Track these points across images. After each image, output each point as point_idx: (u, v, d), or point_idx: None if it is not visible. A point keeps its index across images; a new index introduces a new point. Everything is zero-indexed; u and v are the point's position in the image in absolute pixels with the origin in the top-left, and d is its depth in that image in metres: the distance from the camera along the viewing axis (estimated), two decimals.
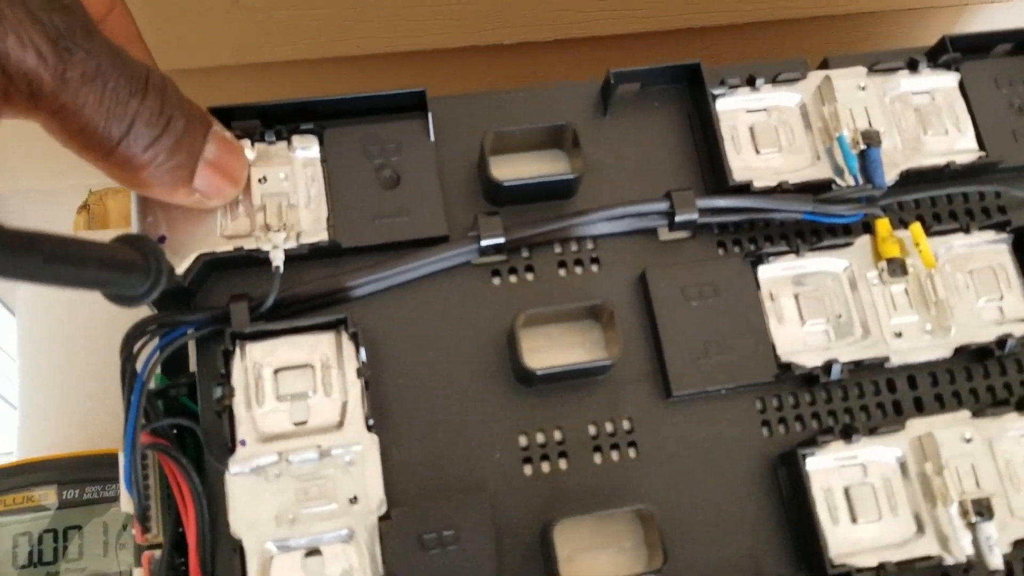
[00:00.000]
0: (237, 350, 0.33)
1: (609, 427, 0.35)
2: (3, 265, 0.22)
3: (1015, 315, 0.37)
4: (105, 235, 0.65)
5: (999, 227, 0.38)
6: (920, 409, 0.36)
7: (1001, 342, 0.36)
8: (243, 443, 0.32)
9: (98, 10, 0.30)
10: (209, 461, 0.33)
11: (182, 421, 0.33)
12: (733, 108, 0.39)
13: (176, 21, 0.58)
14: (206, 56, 0.62)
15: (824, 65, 0.40)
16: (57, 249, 0.24)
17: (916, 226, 0.37)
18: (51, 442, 0.57)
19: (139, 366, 0.33)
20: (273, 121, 0.36)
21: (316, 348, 0.34)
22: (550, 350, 0.36)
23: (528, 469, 0.34)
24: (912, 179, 0.38)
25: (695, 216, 0.36)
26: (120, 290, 0.29)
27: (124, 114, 0.28)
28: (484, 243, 0.35)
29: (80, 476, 0.53)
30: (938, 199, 0.39)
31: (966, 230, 0.38)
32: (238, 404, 0.33)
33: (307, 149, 0.36)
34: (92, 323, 0.59)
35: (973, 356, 0.37)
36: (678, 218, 0.36)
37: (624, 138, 0.39)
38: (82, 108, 0.27)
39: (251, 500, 0.32)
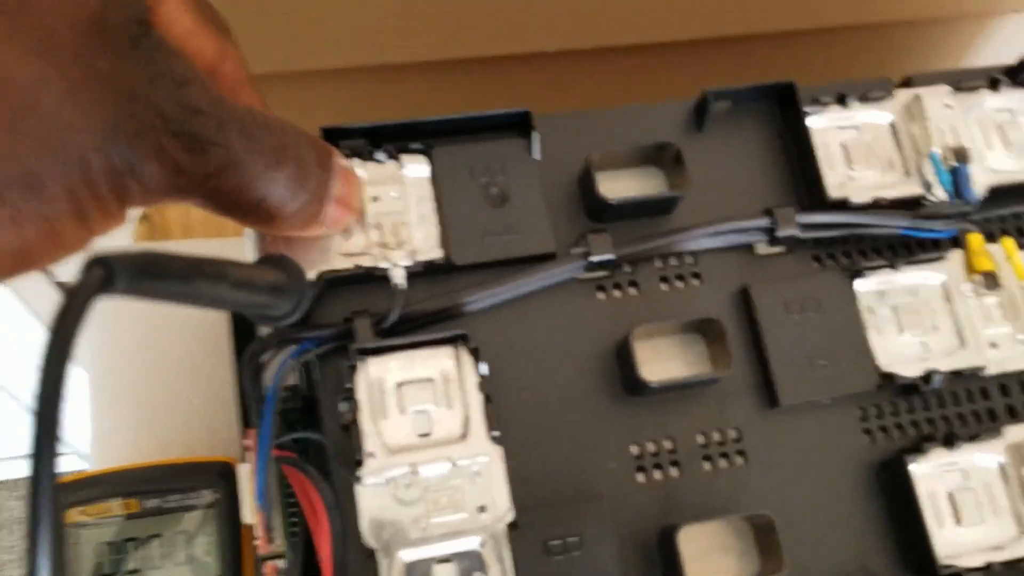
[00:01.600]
0: (360, 365, 0.34)
1: (717, 436, 0.36)
2: (199, 292, 0.23)
3: None
4: (168, 246, 0.65)
5: None
6: (1013, 415, 0.38)
7: None
8: (372, 455, 0.33)
9: (210, 62, 0.30)
10: (335, 473, 0.34)
11: (311, 435, 0.34)
12: (825, 126, 0.40)
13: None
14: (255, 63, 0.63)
15: (907, 83, 0.41)
16: (239, 275, 0.25)
17: (1008, 240, 0.38)
18: (125, 454, 0.58)
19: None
20: (380, 140, 0.37)
21: (436, 362, 0.35)
22: (655, 362, 0.37)
23: (641, 477, 0.35)
24: (999, 195, 0.39)
25: (796, 232, 0.38)
26: (269, 311, 0.30)
27: (260, 188, 0.28)
28: (594, 259, 0.36)
29: (157, 486, 0.54)
30: (1023, 215, 0.41)
31: None
32: (364, 418, 0.34)
33: (417, 168, 0.37)
34: (161, 336, 0.60)
35: None
36: (779, 233, 0.38)
37: (717, 155, 0.40)
38: (219, 191, 0.27)
39: (383, 511, 0.33)
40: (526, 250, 0.37)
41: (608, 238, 0.37)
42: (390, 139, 0.37)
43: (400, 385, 0.34)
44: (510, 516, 0.33)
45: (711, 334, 0.37)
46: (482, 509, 0.33)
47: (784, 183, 0.40)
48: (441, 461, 0.33)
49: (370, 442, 0.33)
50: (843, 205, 0.38)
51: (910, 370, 0.36)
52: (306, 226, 0.32)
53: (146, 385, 0.59)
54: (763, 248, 0.39)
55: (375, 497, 0.33)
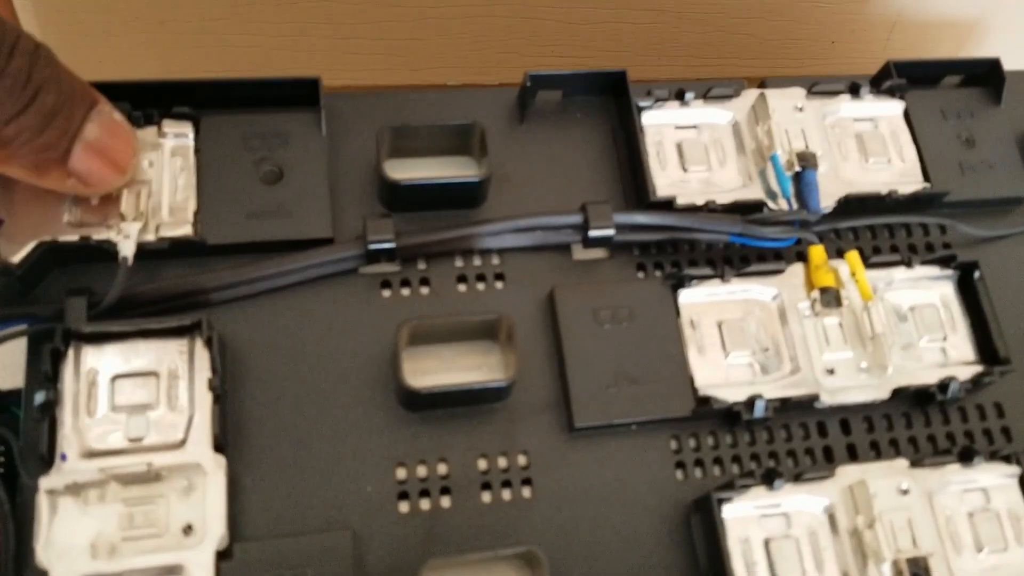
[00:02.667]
0: (71, 351, 0.29)
1: (503, 462, 0.31)
2: None
3: (959, 358, 0.34)
4: None
5: (944, 262, 0.35)
6: (854, 457, 0.32)
7: (943, 386, 0.32)
8: (63, 457, 0.27)
9: None
10: (23, 477, 0.28)
11: None
12: (660, 123, 0.36)
13: (99, 39, 0.55)
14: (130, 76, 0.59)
15: (762, 86, 0.37)
16: None
17: (853, 254, 0.33)
18: None
19: None
20: (146, 103, 0.32)
21: (164, 355, 0.29)
22: (443, 372, 0.32)
23: (404, 506, 0.30)
24: (852, 207, 0.35)
25: (611, 232, 0.33)
26: None
27: None
28: (372, 247, 0.31)
29: None
30: (879, 230, 0.36)
31: (908, 263, 0.34)
32: (64, 412, 0.28)
33: (179, 136, 0.32)
34: None
35: (913, 400, 0.33)
36: (592, 233, 0.33)
37: (542, 149, 0.36)
38: None
39: (65, 525, 0.27)
40: (297, 233, 0.32)
41: (389, 223, 0.31)
42: (157, 103, 0.33)
43: (116, 378, 0.29)
44: (222, 543, 0.27)
45: (500, 337, 0.31)
46: (188, 531, 0.27)
47: (614, 184, 0.36)
48: (143, 467, 0.27)
49: (66, 442, 0.28)
50: (667, 206, 0.33)
51: (732, 395, 0.31)
52: (43, 166, 0.27)
53: None
54: (580, 252, 0.34)
55: (58, 508, 0.27)
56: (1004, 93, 0.38)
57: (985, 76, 0.39)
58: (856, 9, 0.61)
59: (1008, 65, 0.39)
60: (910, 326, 0.34)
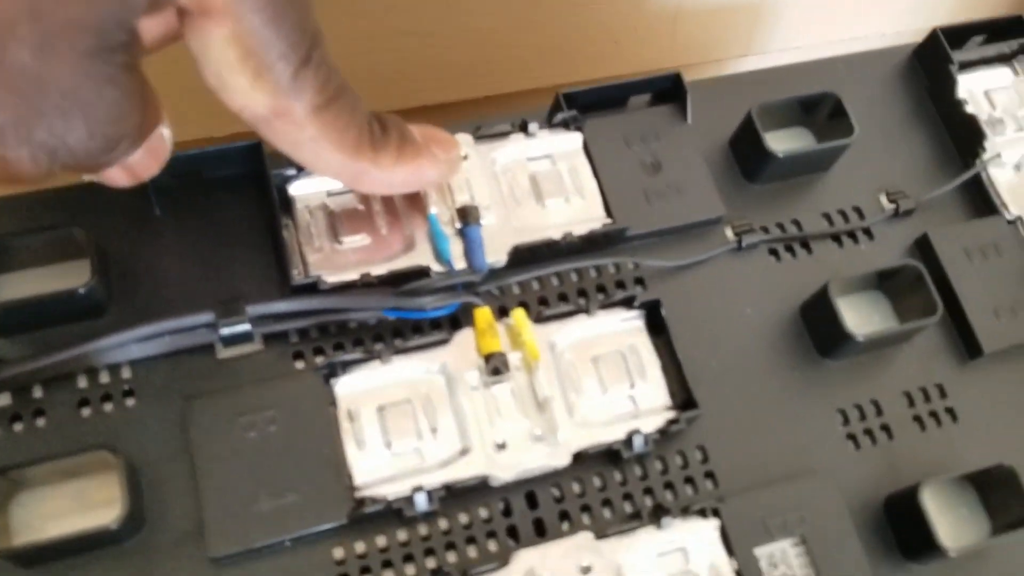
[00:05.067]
0: None
1: None
2: None
3: (650, 405, 0.31)
4: None
5: (626, 303, 0.32)
6: (542, 532, 0.30)
7: (628, 441, 0.30)
8: None
9: None
10: None
11: None
12: (309, 191, 0.32)
13: None
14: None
15: None
16: None
17: (518, 312, 0.31)
18: None
19: None
20: None
21: None
22: (64, 517, 0.28)
23: None
24: (524, 257, 0.32)
25: (247, 327, 0.29)
26: None
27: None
28: None
29: None
30: (565, 276, 0.34)
31: (587, 311, 0.32)
32: None
33: None
34: None
35: (604, 460, 0.31)
36: (225, 331, 0.29)
37: (183, 238, 0.32)
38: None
39: None
40: None
41: None
42: None
43: None
44: None
45: (117, 472, 0.28)
46: None
47: (269, 264, 0.32)
48: None
49: None
50: (311, 288, 0.30)
51: (395, 490, 0.28)
52: None
53: None
54: (225, 350, 0.31)
55: None
56: (690, 106, 0.36)
57: (670, 92, 0.37)
58: (634, 4, 0.60)
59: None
60: (593, 379, 0.31)
